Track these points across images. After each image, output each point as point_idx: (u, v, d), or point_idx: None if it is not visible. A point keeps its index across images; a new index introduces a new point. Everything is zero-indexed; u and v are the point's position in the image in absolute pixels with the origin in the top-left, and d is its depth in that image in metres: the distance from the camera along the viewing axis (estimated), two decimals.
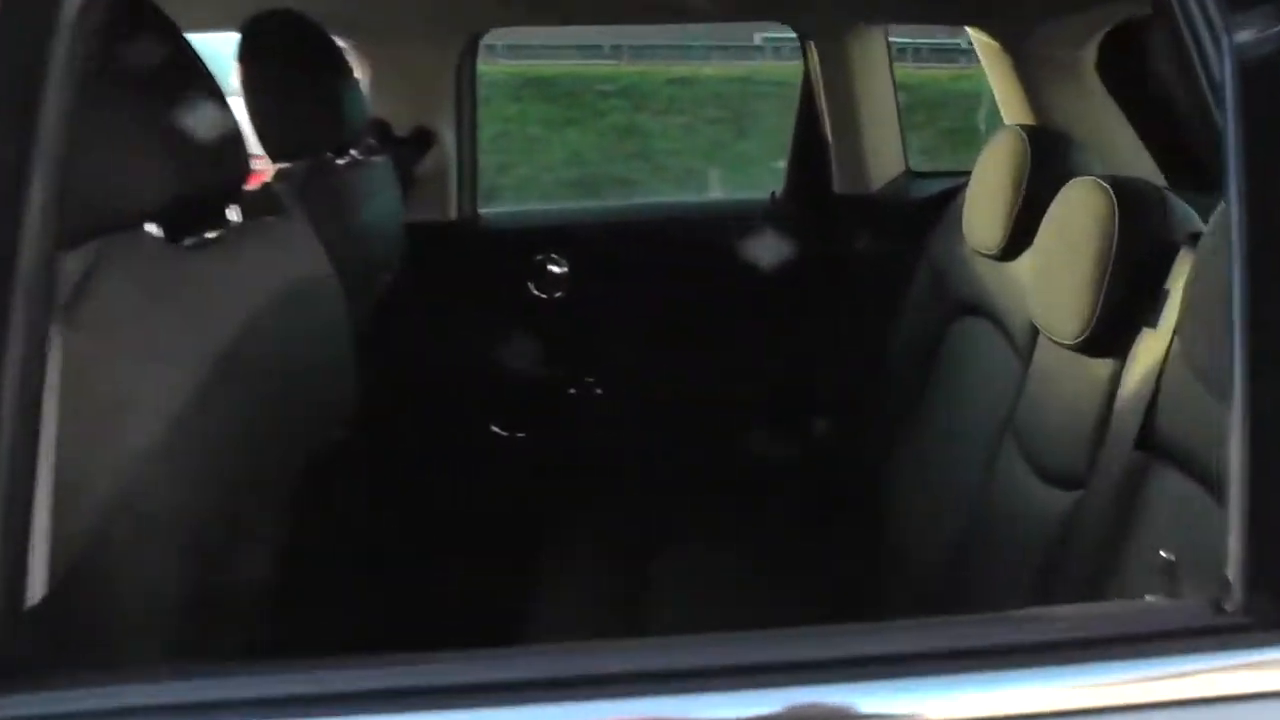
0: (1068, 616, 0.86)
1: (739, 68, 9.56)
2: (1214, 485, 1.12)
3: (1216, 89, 0.78)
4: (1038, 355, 1.56)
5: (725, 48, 10.29)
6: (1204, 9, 0.77)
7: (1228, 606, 0.78)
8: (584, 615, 1.81)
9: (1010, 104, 2.05)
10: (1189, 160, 1.94)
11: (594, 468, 2.32)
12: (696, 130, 8.84)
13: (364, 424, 1.55)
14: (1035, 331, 1.60)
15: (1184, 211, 1.35)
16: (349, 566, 1.78)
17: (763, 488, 2.28)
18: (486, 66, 2.26)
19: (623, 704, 0.75)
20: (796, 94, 2.27)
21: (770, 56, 10.76)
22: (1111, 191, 1.35)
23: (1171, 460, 1.20)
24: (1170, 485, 1.19)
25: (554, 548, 2.04)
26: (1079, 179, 1.45)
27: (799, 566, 1.99)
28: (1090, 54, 1.96)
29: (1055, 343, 1.44)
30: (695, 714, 0.76)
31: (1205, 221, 1.33)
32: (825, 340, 2.24)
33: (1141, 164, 1.97)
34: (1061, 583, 1.30)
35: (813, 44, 2.18)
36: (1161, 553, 0.87)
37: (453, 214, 2.21)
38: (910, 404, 2.01)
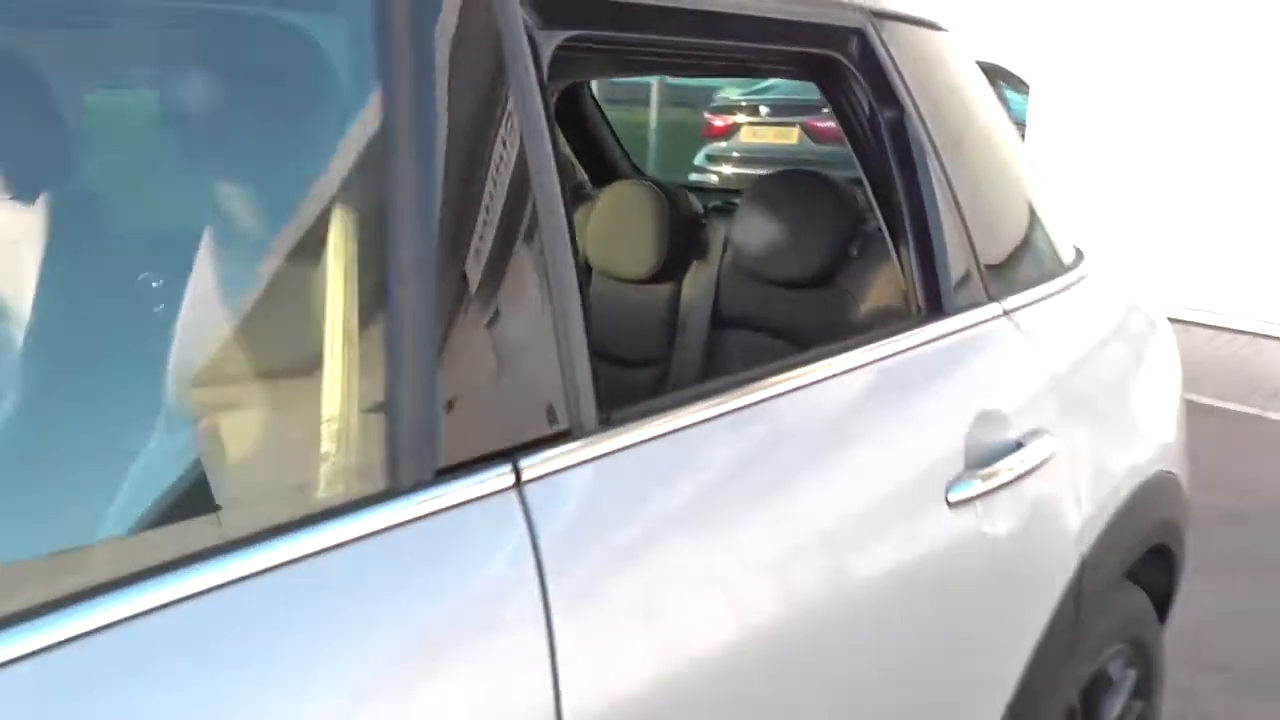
0: None
1: None
2: (770, 331, 2.04)
3: None
4: (598, 289, 2.26)
5: None
6: None
7: None
8: None
9: None
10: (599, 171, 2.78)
11: None
12: None
13: None
14: (587, 273, 2.37)
15: (690, 196, 2.22)
16: None
17: None
18: None
19: None
20: None
21: None
22: (657, 189, 2.17)
23: (735, 325, 2.06)
24: (740, 339, 2.07)
25: None
26: (626, 182, 2.26)
27: None
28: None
29: (623, 280, 2.21)
30: None
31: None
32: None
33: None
34: None
35: None
36: None
37: None
38: None
